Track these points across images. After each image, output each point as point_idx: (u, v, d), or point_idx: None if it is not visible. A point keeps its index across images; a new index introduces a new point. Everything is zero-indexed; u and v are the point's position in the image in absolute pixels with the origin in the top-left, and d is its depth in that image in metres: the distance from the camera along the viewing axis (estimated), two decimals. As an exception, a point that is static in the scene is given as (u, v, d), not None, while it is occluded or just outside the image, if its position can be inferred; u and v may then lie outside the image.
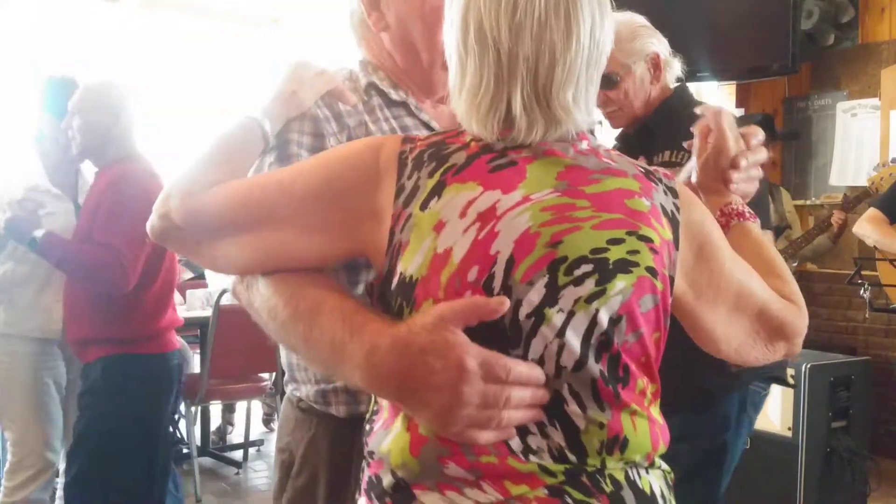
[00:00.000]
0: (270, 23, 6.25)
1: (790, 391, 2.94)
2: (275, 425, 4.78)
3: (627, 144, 2.13)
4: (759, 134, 1.26)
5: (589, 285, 0.93)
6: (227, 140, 1.16)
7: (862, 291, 3.05)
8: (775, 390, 3.00)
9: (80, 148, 2.59)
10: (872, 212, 3.97)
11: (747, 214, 1.20)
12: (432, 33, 1.23)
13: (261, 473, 4.42)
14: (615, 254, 0.95)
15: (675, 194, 1.03)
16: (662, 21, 5.04)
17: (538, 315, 0.93)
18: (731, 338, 1.07)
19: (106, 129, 2.54)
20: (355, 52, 1.39)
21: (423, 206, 0.95)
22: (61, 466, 2.82)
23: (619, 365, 0.95)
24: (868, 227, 3.95)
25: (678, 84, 2.16)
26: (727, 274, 1.04)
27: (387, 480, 0.95)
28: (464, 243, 0.93)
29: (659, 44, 2.14)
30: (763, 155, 1.26)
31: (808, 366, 2.93)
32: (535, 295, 0.93)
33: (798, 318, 1.11)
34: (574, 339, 0.93)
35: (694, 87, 5.34)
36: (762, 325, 1.08)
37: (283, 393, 4.50)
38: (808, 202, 4.98)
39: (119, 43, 6.55)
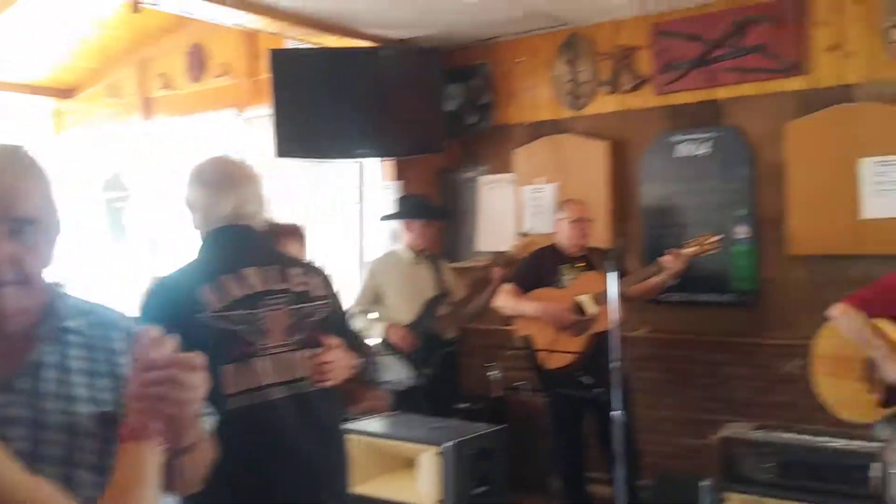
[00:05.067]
0: None
1: (439, 465, 3.26)
2: None
3: None
4: (164, 343, 1.24)
5: None
6: None
7: (492, 372, 3.48)
8: (426, 464, 3.31)
9: None
10: (507, 286, 4.53)
11: (135, 435, 1.19)
12: None
13: None
14: None
15: None
16: (324, 107, 5.35)
17: None
18: None
19: None
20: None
21: None
22: None
23: None
24: (505, 300, 4.50)
25: None
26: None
27: None
28: None
29: None
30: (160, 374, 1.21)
31: (452, 443, 3.26)
32: None
33: None
34: None
35: (357, 163, 5.70)
36: None
37: None
38: (460, 265, 5.49)
39: None
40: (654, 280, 4.12)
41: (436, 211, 5.04)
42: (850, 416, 3.07)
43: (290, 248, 2.59)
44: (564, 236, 4.42)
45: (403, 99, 5.11)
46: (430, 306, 4.78)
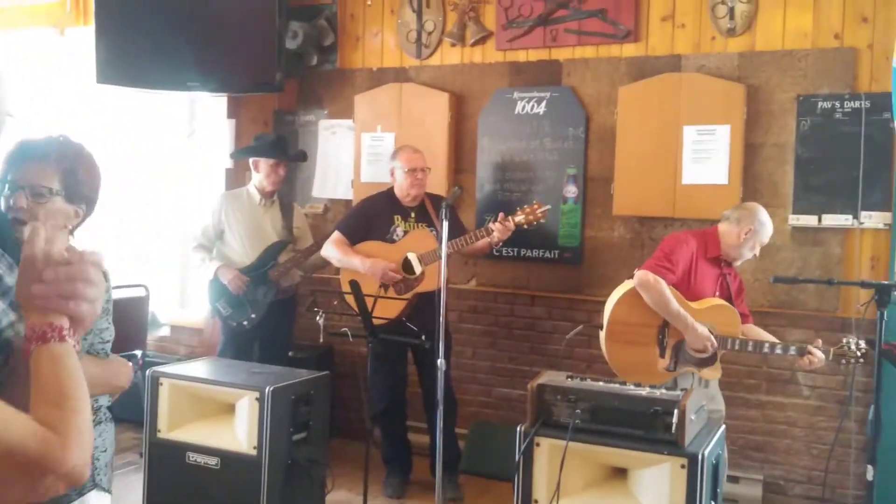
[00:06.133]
0: None
1: (256, 413, 3.17)
2: None
3: None
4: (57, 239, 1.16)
5: None
6: None
7: (318, 318, 3.41)
8: (244, 409, 3.21)
9: None
10: (336, 235, 4.42)
11: (50, 336, 1.12)
12: None
13: None
14: None
15: None
16: (151, 34, 5.00)
17: None
18: None
19: None
20: None
21: None
22: None
23: None
24: (332, 249, 4.40)
25: None
26: None
27: None
28: None
29: None
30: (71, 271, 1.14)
31: (272, 388, 3.18)
32: None
33: (57, 451, 1.05)
34: None
35: (187, 97, 5.40)
36: (12, 465, 1.03)
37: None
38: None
39: None
40: (482, 242, 4.15)
41: (287, 151, 4.84)
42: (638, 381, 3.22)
43: (37, 174, 1.97)
44: (398, 185, 4.36)
45: (239, 32, 4.86)
46: (271, 252, 4.63)
